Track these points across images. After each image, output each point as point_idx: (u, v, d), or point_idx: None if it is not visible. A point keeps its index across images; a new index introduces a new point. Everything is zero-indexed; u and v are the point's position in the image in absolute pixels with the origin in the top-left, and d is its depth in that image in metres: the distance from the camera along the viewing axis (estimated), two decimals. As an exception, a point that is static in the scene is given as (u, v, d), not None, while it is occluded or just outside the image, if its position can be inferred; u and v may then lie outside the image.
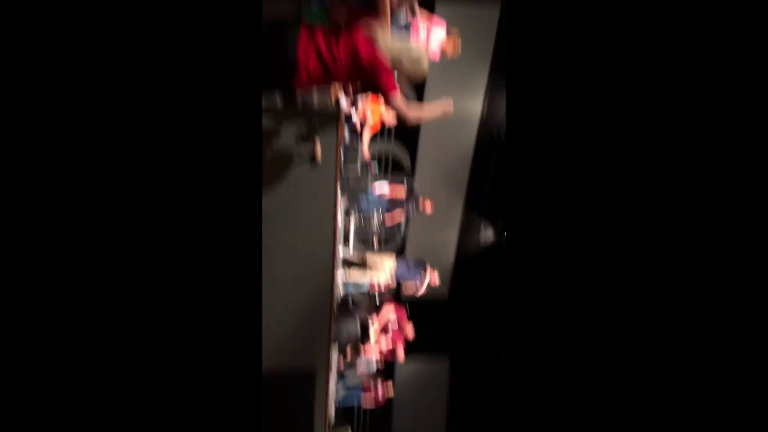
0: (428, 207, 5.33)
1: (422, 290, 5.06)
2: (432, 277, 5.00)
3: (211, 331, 0.83)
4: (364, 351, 4.85)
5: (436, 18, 3.89)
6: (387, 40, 1.88)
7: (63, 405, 0.75)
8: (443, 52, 3.90)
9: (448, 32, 3.85)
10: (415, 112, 2.05)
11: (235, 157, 0.77)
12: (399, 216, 5.53)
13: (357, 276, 5.10)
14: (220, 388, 0.82)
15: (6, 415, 0.69)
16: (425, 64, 1.91)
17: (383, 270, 5.00)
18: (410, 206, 5.40)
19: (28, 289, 0.72)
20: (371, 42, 1.86)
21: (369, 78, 1.92)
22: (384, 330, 4.82)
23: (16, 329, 0.71)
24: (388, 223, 5.75)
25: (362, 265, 5.09)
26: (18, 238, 0.71)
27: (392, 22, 2.35)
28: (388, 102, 2.02)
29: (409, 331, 4.89)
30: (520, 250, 0.96)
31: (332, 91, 3.29)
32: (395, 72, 1.93)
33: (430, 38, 3.76)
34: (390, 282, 5.14)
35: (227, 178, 0.78)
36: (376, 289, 5.21)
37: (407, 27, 3.68)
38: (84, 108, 0.69)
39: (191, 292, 0.81)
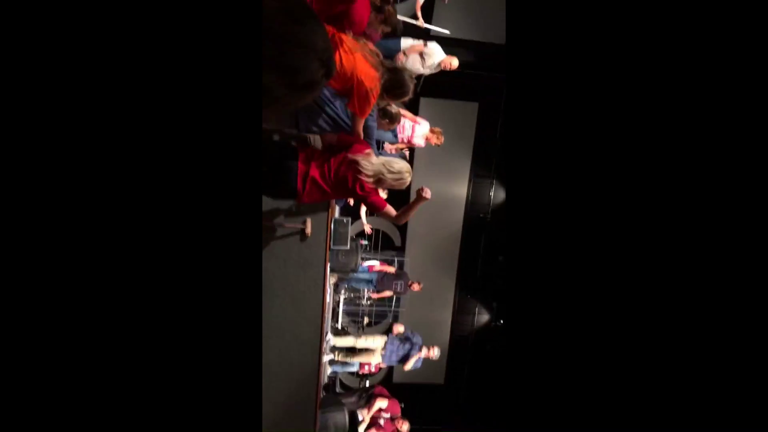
0: (416, 287, 5.36)
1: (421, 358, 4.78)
2: (431, 351, 4.77)
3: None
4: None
5: (420, 117, 4.29)
6: (369, 161, 2.07)
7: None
8: (428, 140, 4.23)
9: (432, 129, 4.20)
10: (403, 215, 2.24)
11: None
12: (388, 292, 5.47)
13: (345, 357, 4.83)
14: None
15: (5, 415, 0.65)
16: (407, 176, 2.11)
17: (374, 352, 4.76)
18: (399, 284, 5.35)
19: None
20: (355, 167, 2.03)
21: (358, 199, 2.21)
22: (375, 425, 4.38)
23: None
24: (375, 296, 5.66)
25: (351, 349, 4.84)
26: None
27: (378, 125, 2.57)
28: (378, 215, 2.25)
29: (405, 429, 4.40)
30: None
31: None
32: (380, 186, 2.13)
33: (414, 133, 4.16)
34: (381, 364, 4.87)
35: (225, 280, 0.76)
36: (366, 369, 4.93)
37: (394, 130, 3.99)
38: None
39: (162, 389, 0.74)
